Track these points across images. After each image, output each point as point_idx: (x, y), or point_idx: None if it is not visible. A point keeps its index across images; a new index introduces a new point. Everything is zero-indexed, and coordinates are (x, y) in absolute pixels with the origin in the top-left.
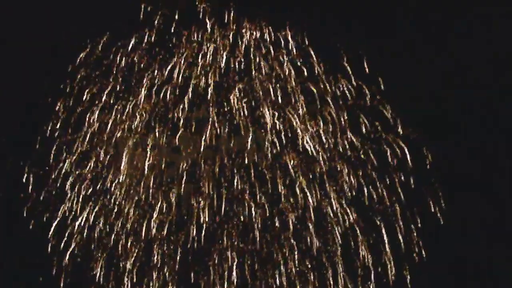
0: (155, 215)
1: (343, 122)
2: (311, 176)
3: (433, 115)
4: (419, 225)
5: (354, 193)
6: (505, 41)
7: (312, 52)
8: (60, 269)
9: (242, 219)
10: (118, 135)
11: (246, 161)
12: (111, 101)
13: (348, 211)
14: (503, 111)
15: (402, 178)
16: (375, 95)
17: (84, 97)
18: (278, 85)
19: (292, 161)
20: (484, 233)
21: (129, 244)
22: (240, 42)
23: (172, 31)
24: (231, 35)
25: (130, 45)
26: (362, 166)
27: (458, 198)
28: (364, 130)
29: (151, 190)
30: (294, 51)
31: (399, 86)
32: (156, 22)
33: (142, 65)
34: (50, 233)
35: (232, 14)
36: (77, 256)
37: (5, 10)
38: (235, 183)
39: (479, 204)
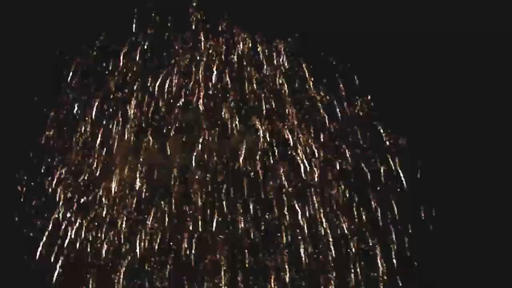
0: (148, 223)
1: (333, 130)
2: (300, 184)
3: (424, 122)
4: (410, 231)
5: (345, 200)
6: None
7: (303, 63)
8: (53, 276)
9: (233, 228)
10: (110, 143)
11: (237, 168)
12: (105, 108)
13: (340, 218)
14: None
15: (390, 183)
16: (365, 105)
17: (77, 105)
18: (270, 94)
19: (283, 169)
20: (478, 238)
21: (122, 250)
22: (233, 51)
23: (165, 37)
24: (223, 44)
25: (123, 53)
26: (352, 174)
27: (449, 204)
28: (351, 138)
29: (143, 196)
30: (286, 62)
31: (390, 96)
32: (149, 31)
33: (134, 70)
34: (43, 240)
35: (225, 24)
36: (69, 264)
37: None
38: (227, 191)
39: (472, 209)
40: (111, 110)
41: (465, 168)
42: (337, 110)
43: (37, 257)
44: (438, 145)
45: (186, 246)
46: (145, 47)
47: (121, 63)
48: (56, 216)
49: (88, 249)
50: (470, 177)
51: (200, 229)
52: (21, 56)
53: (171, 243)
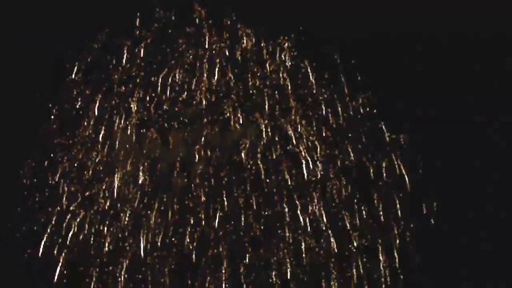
0: (152, 217)
1: (335, 126)
2: (302, 179)
3: (425, 118)
4: (411, 225)
5: (347, 195)
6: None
7: (306, 59)
8: (55, 269)
9: (235, 222)
10: (113, 137)
11: (240, 163)
12: (108, 102)
13: (342, 213)
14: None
15: (392, 178)
16: (367, 101)
17: (80, 99)
18: (273, 90)
19: (284, 164)
20: (479, 232)
21: (126, 244)
22: (237, 47)
23: (169, 33)
24: (227, 40)
25: (126, 48)
26: (354, 169)
27: (450, 199)
28: (353, 134)
29: (145, 190)
30: (289, 58)
31: (392, 92)
32: (152, 26)
33: (138, 65)
34: (46, 234)
35: (229, 19)
36: (72, 258)
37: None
38: (229, 186)
39: (473, 203)
40: (113, 103)
41: (466, 164)
42: (339, 106)
43: (41, 250)
44: (439, 141)
45: (188, 240)
46: (149, 42)
47: (124, 58)
48: (59, 209)
49: (91, 243)
50: (472, 172)
51: (202, 224)
52: (25, 51)
53: (173, 238)
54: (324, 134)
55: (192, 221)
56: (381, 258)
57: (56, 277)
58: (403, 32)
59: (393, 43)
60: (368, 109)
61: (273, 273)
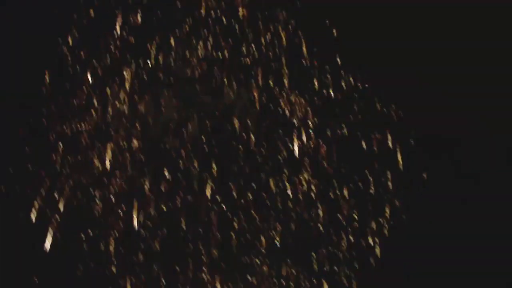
0: (145, 183)
1: (328, 97)
2: (293, 149)
3: (418, 91)
4: (403, 197)
5: (338, 166)
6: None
7: (300, 31)
8: (46, 236)
9: (225, 190)
10: (107, 104)
11: (232, 132)
12: (102, 70)
13: (333, 183)
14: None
15: (384, 151)
16: (360, 75)
17: (73, 65)
18: (267, 60)
19: (278, 133)
20: (471, 206)
21: (119, 211)
22: (232, 16)
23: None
24: (223, 8)
25: (121, 15)
26: (346, 141)
27: (441, 171)
28: (346, 106)
29: (138, 158)
30: (283, 30)
31: (386, 65)
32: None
33: (132, 32)
34: (38, 200)
35: None
36: (64, 226)
37: None
38: (220, 155)
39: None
40: (107, 69)
41: (458, 136)
42: (332, 77)
43: (34, 215)
44: (433, 114)
45: (179, 207)
46: (143, 8)
47: (118, 24)
48: (52, 174)
49: (83, 211)
50: (463, 144)
51: (193, 191)
52: (21, 20)
53: (164, 206)
54: (316, 104)
55: (183, 188)
56: (371, 228)
57: (49, 241)
58: (402, 7)
59: (389, 15)
60: (360, 81)
61: (263, 241)
